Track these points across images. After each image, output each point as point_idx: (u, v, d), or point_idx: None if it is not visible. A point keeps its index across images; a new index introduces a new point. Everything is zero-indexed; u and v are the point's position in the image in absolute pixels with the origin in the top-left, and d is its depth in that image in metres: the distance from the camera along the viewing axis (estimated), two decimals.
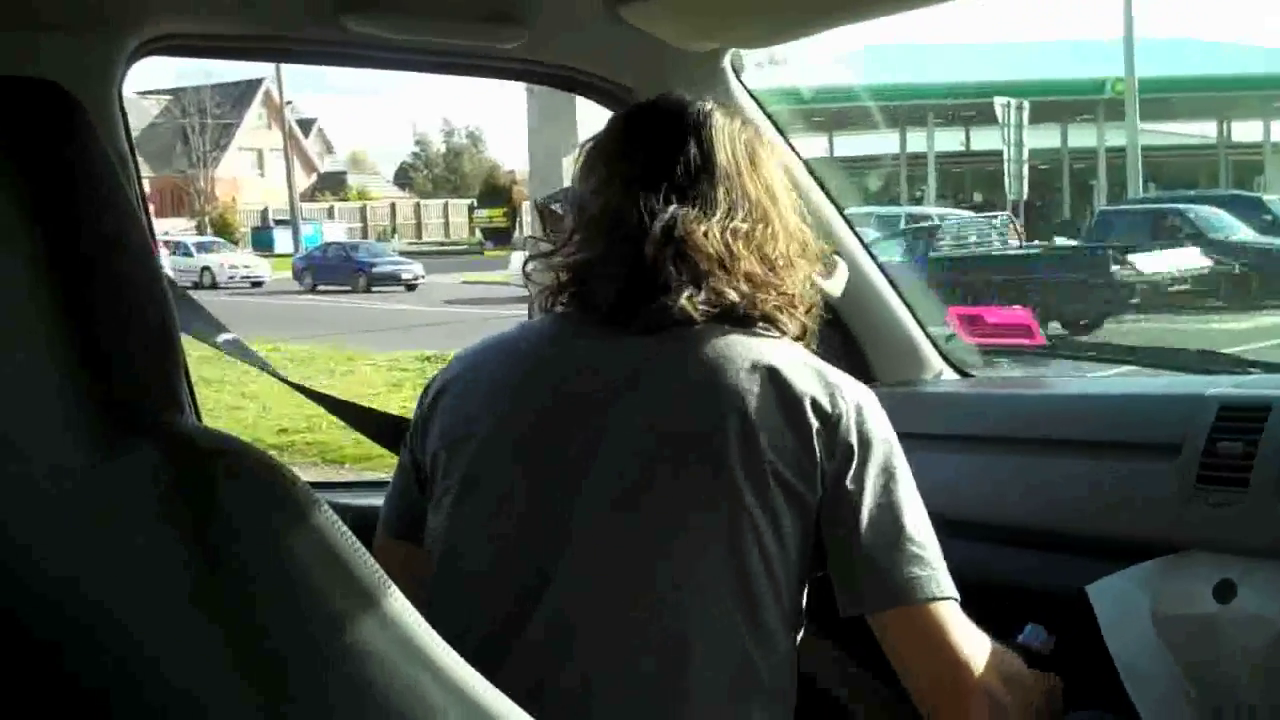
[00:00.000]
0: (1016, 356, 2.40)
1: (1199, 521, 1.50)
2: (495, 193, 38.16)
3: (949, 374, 2.12)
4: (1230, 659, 1.42)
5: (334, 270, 24.47)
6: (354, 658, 0.70)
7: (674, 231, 1.22)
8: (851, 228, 2.03)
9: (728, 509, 1.17)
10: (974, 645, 1.20)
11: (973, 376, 2.15)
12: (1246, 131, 27.43)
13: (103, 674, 0.70)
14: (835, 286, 1.48)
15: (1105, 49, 22.46)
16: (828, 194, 2.00)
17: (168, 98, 38.64)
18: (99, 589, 0.71)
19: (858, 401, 1.23)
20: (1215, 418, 1.54)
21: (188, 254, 25.74)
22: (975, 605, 1.24)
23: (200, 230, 34.32)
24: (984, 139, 24.60)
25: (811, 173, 1.98)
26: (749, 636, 1.17)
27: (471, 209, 41.44)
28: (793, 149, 1.96)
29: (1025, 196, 19.25)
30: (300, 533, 0.73)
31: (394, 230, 41.29)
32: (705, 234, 1.23)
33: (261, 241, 34.53)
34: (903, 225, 15.60)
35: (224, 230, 35.17)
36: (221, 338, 1.73)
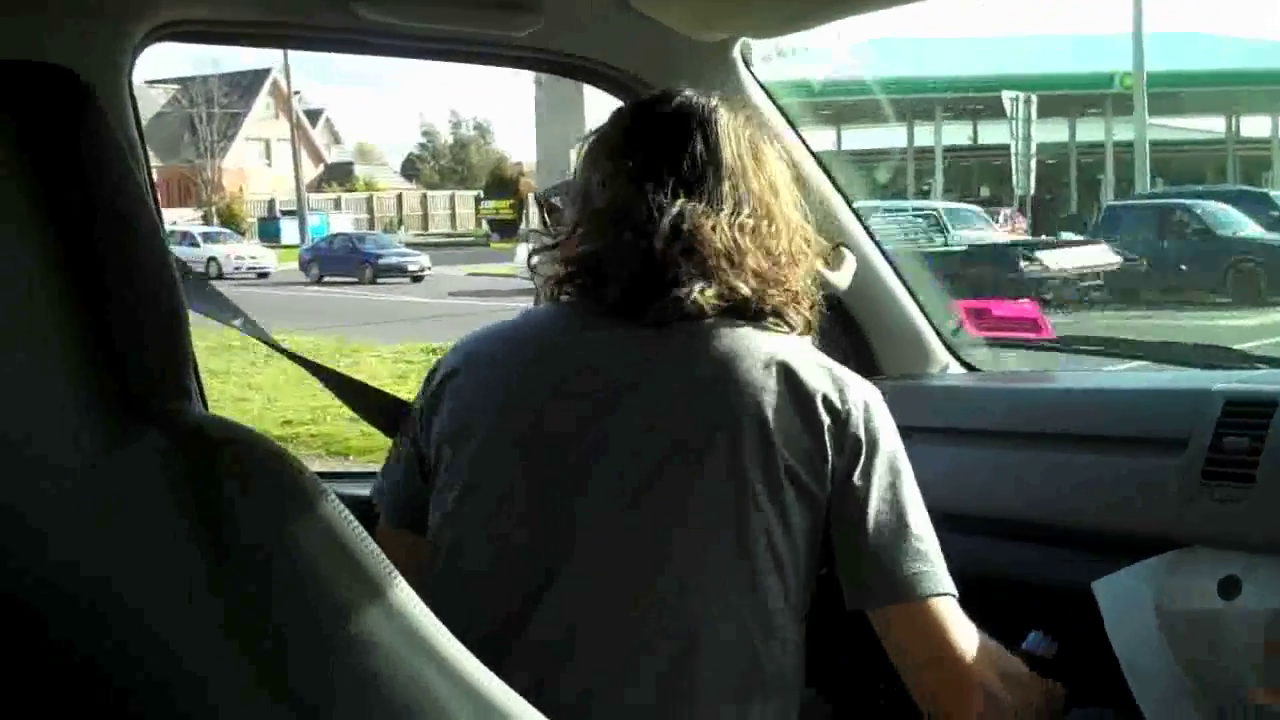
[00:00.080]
0: (1023, 350, 2.39)
1: (1204, 517, 1.50)
2: (502, 184, 38.09)
3: (955, 368, 2.12)
4: (1234, 655, 1.42)
5: (340, 261, 24.42)
6: (359, 647, 0.71)
7: (682, 226, 1.22)
8: (860, 220, 2.03)
9: (738, 507, 1.17)
10: (973, 642, 1.21)
11: (978, 371, 2.15)
12: (1255, 127, 27.26)
13: (111, 658, 0.70)
14: (843, 279, 1.48)
15: (1113, 43, 22.37)
16: (836, 186, 1.99)
17: (175, 87, 38.59)
18: (109, 575, 0.71)
19: (865, 399, 1.24)
20: (1221, 413, 1.54)
21: (194, 244, 25.59)
22: (978, 600, 1.24)
23: (207, 220, 34.25)
24: (992, 133, 24.49)
25: (821, 165, 1.98)
26: (756, 634, 1.18)
27: (478, 201, 41.37)
28: (803, 141, 1.96)
29: (1033, 191, 19.22)
30: (308, 522, 0.73)
31: (400, 222, 41.22)
32: (713, 229, 1.23)
33: (268, 232, 34.42)
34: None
35: (230, 221, 35.12)
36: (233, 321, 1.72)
